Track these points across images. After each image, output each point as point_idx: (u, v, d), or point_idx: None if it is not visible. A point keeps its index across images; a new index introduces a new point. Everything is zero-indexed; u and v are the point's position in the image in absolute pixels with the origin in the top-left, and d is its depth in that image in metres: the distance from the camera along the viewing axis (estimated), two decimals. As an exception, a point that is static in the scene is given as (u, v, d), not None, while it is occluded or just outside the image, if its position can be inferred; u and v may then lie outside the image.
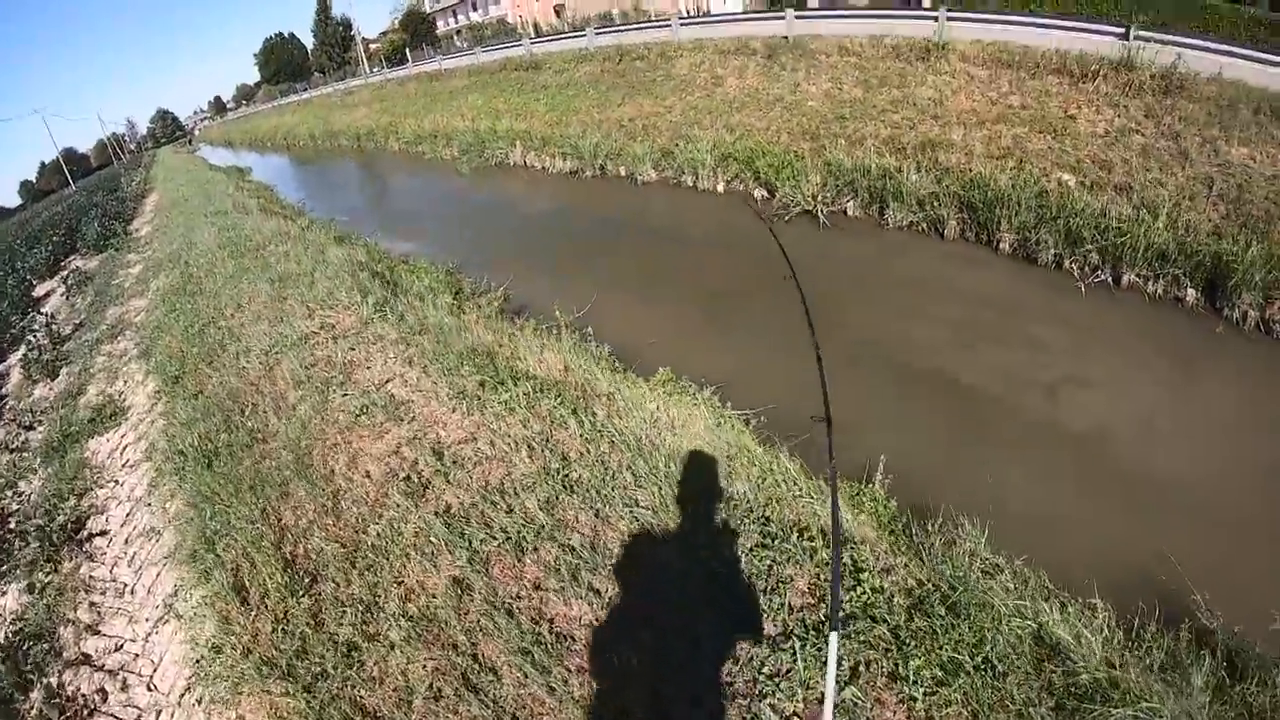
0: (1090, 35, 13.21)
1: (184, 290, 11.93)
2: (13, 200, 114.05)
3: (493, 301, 11.09)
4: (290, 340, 8.02)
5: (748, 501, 4.78)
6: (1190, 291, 8.35)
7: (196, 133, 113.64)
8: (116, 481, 7.76)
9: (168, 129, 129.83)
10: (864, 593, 4.00)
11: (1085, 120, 11.48)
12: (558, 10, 55.27)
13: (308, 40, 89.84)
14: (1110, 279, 8.91)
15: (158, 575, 6.13)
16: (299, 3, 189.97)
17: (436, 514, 4.83)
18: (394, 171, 28.71)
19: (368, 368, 7.07)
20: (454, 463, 5.35)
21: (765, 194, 13.48)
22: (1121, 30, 12.76)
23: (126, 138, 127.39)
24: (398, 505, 4.95)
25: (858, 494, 5.43)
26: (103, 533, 7.05)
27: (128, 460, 8.06)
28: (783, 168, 13.01)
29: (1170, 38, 12.13)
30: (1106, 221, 8.94)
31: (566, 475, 5.10)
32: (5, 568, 6.95)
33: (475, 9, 74.45)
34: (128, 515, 7.11)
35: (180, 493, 6.60)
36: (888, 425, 6.67)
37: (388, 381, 6.68)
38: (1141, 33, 12.36)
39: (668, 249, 12.61)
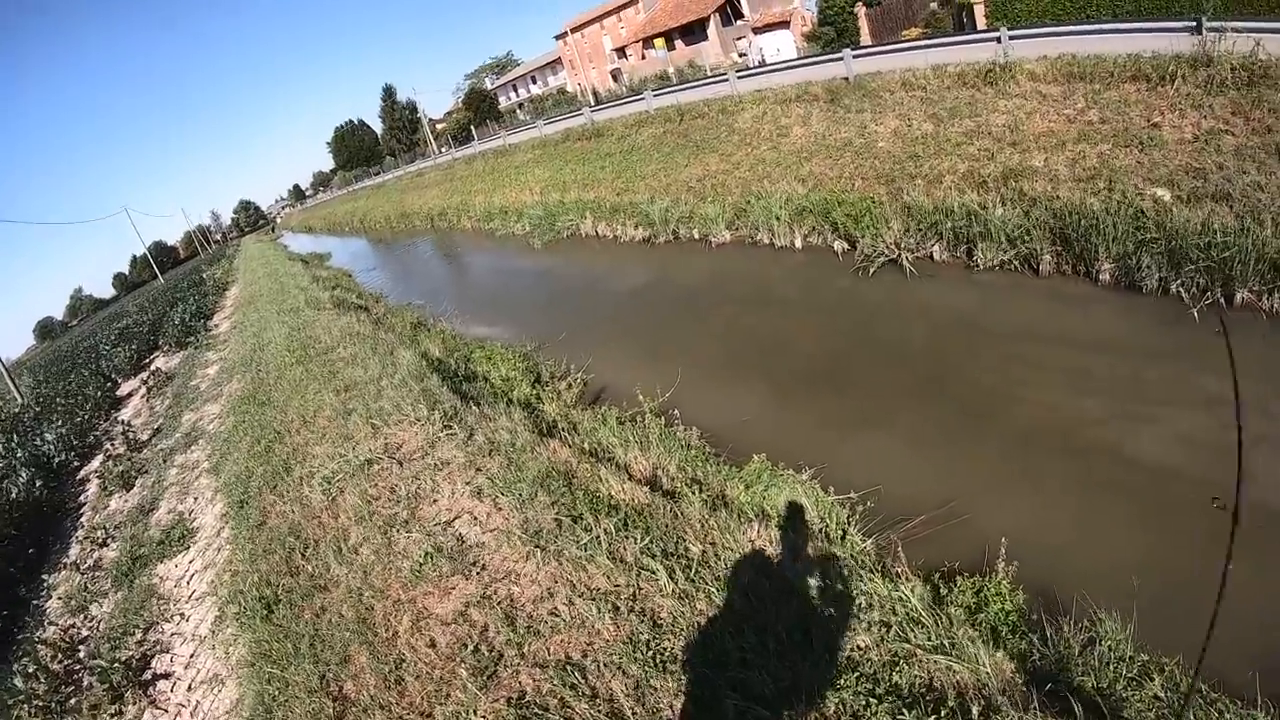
0: (1159, 34, 12.40)
1: (254, 399, 11.98)
2: (107, 291, 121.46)
3: (572, 386, 10.75)
4: (353, 466, 7.75)
5: (870, 661, 4.13)
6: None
7: (278, 220, 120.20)
8: (182, 615, 7.53)
9: (250, 218, 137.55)
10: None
11: (1170, 127, 10.65)
12: (614, 75, 56.98)
13: (376, 125, 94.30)
14: (1222, 299, 8.18)
15: (220, 735, 5.78)
16: (368, 89, 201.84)
17: (510, 702, 4.28)
18: (468, 249, 29.22)
19: (434, 500, 6.67)
20: (528, 629, 4.81)
21: (846, 246, 12.86)
22: (1192, 23, 11.99)
23: (212, 228, 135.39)
24: (465, 688, 4.42)
25: (980, 590, 4.93)
26: (167, 675, 6.76)
27: (194, 591, 7.84)
28: (861, 216, 12.44)
29: (1245, 24, 11.30)
30: (1209, 237, 8.27)
31: (657, 649, 4.47)
32: (74, 702, 6.75)
33: (535, 82, 77.42)
34: (192, 656, 6.83)
35: (242, 638, 6.30)
36: (1014, 506, 6.21)
37: (455, 519, 6.26)
38: (1213, 23, 11.57)
39: (750, 317, 12.09)
